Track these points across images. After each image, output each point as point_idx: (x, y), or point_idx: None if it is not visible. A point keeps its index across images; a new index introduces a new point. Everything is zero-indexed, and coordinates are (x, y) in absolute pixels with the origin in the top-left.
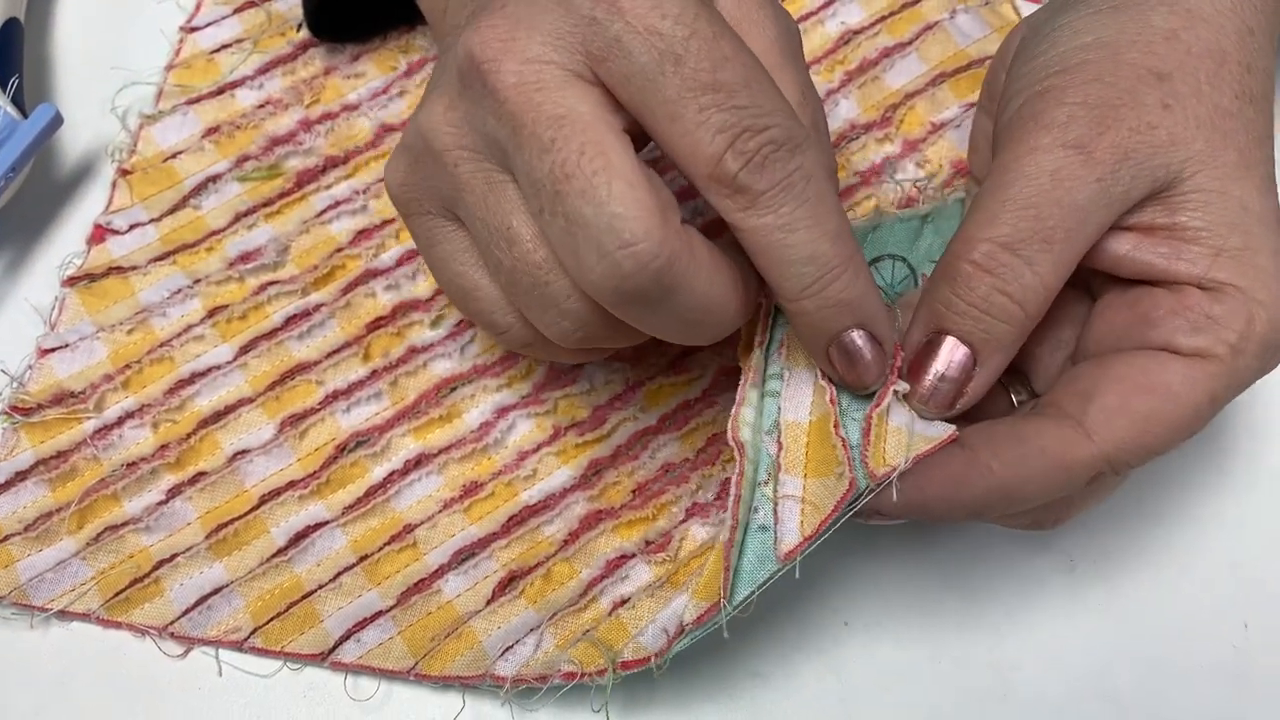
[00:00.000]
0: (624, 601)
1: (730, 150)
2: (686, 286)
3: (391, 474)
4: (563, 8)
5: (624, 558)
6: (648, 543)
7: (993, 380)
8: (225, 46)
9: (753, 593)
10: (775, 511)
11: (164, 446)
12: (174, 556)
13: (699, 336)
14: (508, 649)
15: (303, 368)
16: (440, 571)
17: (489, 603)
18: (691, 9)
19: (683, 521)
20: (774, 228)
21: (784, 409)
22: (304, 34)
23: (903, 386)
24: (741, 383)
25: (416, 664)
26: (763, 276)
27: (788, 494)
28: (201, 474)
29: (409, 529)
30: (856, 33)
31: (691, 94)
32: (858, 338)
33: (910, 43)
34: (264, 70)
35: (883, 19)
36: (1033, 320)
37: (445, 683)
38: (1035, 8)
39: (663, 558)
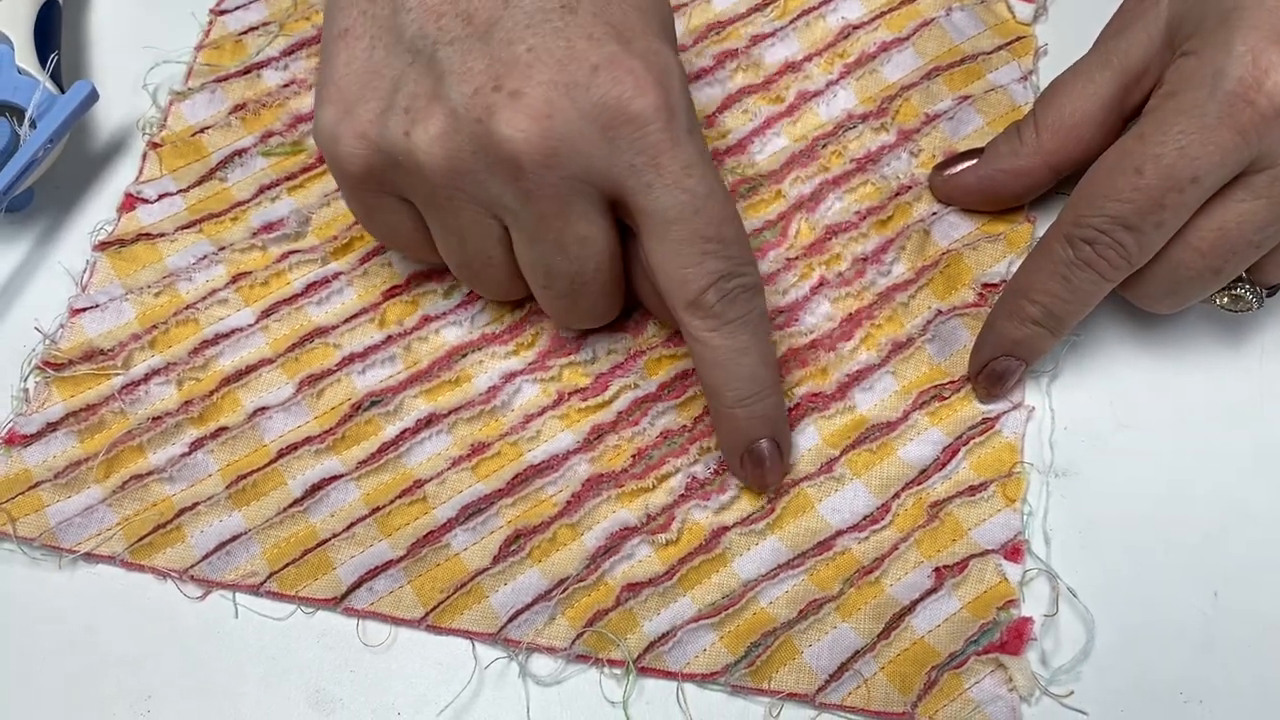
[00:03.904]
0: (633, 591)
1: (713, 287)
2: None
3: (403, 432)
4: (607, 147)
5: (626, 530)
6: (649, 517)
7: None
8: (252, 29)
9: None
10: None
11: (188, 402)
12: (195, 505)
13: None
14: (518, 613)
15: (321, 331)
16: (449, 525)
17: (495, 560)
18: (712, 173)
19: (683, 497)
20: (732, 348)
21: None
22: None
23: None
24: None
25: (427, 615)
26: (704, 383)
27: None
28: (223, 429)
29: (419, 484)
30: (856, 27)
31: (700, 239)
32: (767, 446)
33: (907, 38)
34: (289, 52)
35: (881, 15)
36: None
37: (455, 636)
38: (1030, 7)
39: (664, 539)
